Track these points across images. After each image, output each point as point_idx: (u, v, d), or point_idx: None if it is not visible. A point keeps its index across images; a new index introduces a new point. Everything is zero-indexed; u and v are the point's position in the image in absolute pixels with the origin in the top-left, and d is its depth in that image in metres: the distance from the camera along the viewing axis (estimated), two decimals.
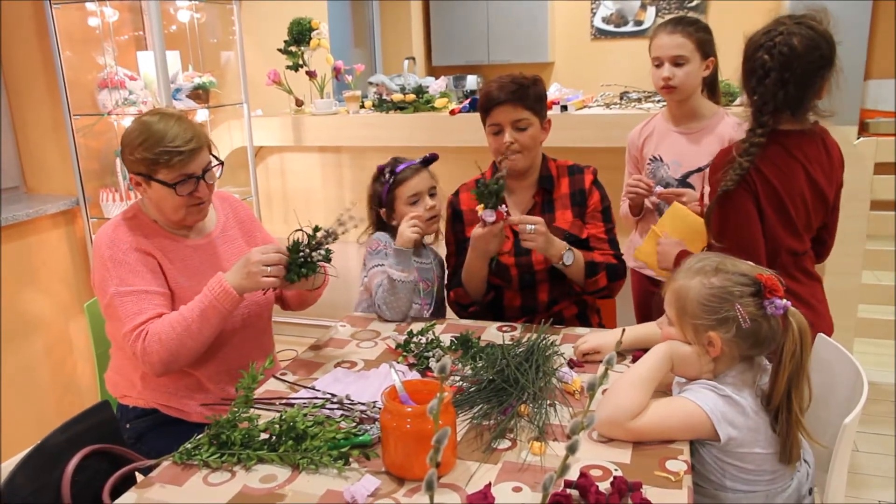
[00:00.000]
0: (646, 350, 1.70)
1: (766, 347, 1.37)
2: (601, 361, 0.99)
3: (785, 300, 1.32)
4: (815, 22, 1.66)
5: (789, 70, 1.64)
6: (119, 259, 1.70)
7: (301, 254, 1.69)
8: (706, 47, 2.16)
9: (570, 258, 1.94)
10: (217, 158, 1.79)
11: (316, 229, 1.70)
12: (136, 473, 1.42)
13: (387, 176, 2.13)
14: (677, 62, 2.14)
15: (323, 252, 1.71)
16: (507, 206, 1.88)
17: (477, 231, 1.90)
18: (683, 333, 1.40)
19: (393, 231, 2.12)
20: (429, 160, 2.18)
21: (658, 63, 2.18)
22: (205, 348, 1.70)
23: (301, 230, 1.70)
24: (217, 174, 1.79)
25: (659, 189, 2.21)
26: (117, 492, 1.27)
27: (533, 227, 1.85)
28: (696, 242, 1.90)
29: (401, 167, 2.13)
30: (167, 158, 1.65)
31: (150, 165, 1.67)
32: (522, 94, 1.96)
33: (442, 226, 2.23)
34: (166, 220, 1.79)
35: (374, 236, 2.16)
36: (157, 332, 1.63)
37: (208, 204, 1.82)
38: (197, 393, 1.81)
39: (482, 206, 1.85)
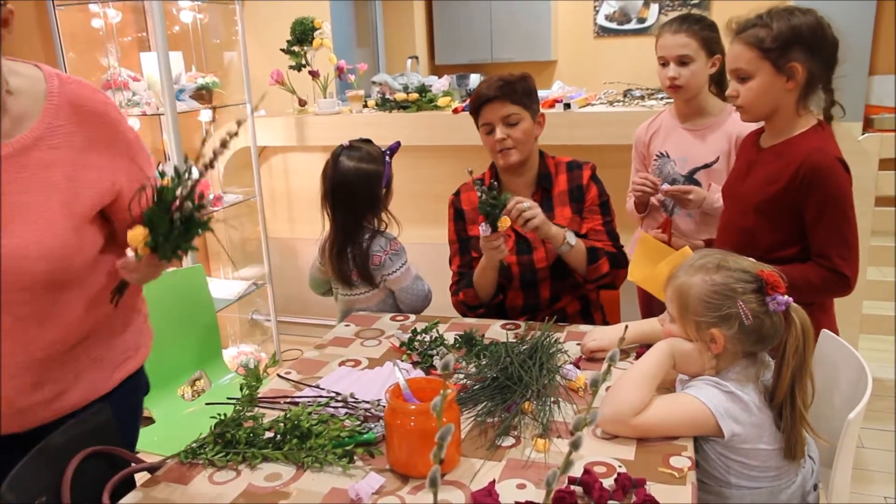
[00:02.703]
0: (650, 346, 1.71)
1: (769, 343, 1.37)
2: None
3: (787, 296, 1.32)
4: None
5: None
6: None
7: (174, 214, 1.16)
8: (711, 45, 2.16)
9: (574, 238, 1.96)
10: None
11: (177, 178, 1.15)
12: (136, 475, 1.42)
13: (388, 157, 2.14)
14: (682, 61, 2.14)
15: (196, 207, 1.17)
16: (487, 227, 1.85)
17: (482, 240, 1.91)
18: (685, 330, 1.40)
19: (370, 217, 2.12)
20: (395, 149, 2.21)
21: (663, 62, 2.18)
22: None
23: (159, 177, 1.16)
24: None
25: (665, 186, 2.21)
26: (117, 494, 1.27)
27: (527, 203, 1.86)
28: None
29: (393, 145, 2.17)
30: None
31: None
32: (509, 89, 1.97)
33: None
34: None
35: (388, 237, 2.12)
36: None
37: None
38: None
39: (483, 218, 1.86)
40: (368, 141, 2.17)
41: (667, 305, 1.45)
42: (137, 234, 1.16)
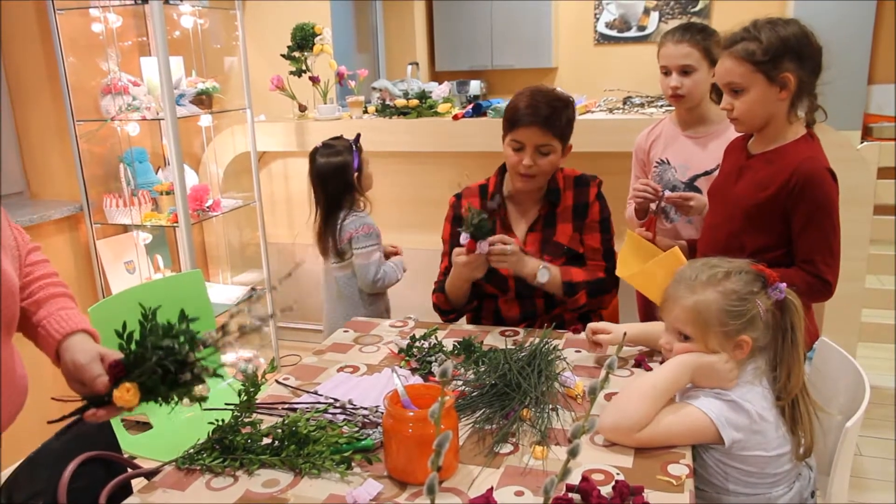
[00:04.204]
0: (650, 351, 1.71)
1: (770, 333, 1.39)
2: (607, 358, 0.99)
3: (783, 282, 1.37)
4: None
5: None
6: None
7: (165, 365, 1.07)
8: (714, 54, 2.16)
9: (545, 276, 1.94)
10: None
11: (182, 336, 1.10)
12: (133, 481, 1.42)
13: (355, 147, 2.53)
14: (685, 71, 2.14)
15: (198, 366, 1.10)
16: (485, 244, 1.86)
17: (458, 258, 1.91)
18: (706, 345, 1.38)
19: (349, 200, 2.51)
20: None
21: (666, 71, 2.19)
22: None
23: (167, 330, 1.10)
24: None
25: (667, 193, 2.21)
26: (114, 500, 1.27)
27: (510, 246, 1.87)
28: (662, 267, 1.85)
29: (354, 137, 2.57)
30: None
31: None
32: (554, 120, 1.92)
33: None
34: None
35: (362, 220, 2.49)
36: None
37: None
38: None
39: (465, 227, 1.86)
40: (339, 137, 2.58)
41: (675, 327, 1.43)
42: (128, 397, 1.07)
